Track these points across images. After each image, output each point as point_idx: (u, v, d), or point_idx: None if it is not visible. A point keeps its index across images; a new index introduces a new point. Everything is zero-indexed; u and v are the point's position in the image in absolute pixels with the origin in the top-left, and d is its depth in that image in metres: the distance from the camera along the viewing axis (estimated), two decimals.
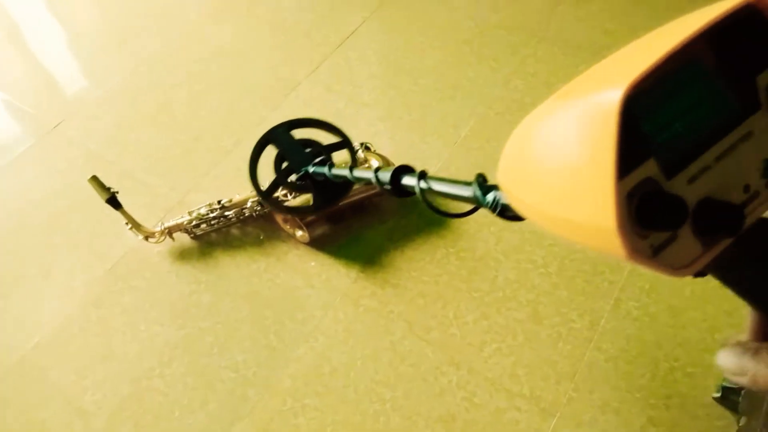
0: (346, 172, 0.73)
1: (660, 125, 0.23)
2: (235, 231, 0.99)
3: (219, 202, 0.96)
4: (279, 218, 0.97)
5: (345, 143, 0.94)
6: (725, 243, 0.24)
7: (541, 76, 1.17)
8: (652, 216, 0.21)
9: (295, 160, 0.91)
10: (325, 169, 0.81)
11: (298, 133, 0.89)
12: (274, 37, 1.34)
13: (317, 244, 0.95)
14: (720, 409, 0.79)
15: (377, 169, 0.61)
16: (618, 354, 0.82)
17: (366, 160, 1.00)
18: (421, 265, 0.92)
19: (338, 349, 0.85)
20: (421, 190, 0.50)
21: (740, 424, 0.71)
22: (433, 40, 1.27)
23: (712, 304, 0.84)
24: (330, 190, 0.92)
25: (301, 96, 1.20)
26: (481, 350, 0.83)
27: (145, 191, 1.06)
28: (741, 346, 0.27)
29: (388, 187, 0.58)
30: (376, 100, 1.17)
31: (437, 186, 0.48)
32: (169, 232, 0.96)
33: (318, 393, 0.81)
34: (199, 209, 0.96)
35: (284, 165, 0.89)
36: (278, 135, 0.92)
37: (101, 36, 1.45)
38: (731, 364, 0.26)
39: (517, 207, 0.28)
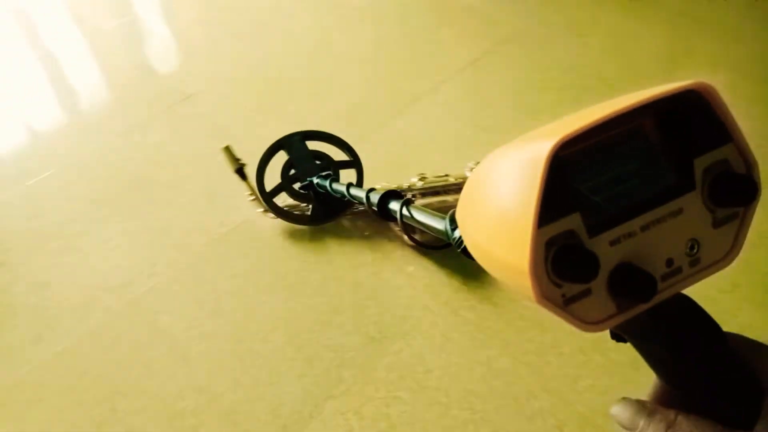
0: (343, 189, 0.76)
1: (595, 187, 0.24)
2: (345, 222, 1.04)
3: None
4: None
5: (354, 163, 0.98)
6: (640, 309, 0.24)
7: None
8: (564, 266, 0.22)
9: (303, 169, 0.95)
10: (326, 183, 0.85)
11: (312, 145, 0.97)
12: (400, 51, 1.40)
13: (422, 249, 0.99)
14: None
15: (369, 190, 0.63)
16: None
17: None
18: None
19: (434, 352, 0.87)
20: (401, 215, 0.52)
21: None
22: (553, 81, 1.31)
23: None
24: (330, 205, 0.95)
25: (420, 110, 1.25)
26: (576, 383, 0.84)
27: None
28: (640, 403, 0.27)
29: (375, 208, 0.59)
30: (494, 126, 1.21)
31: (417, 214, 0.50)
32: None
33: (411, 389, 0.83)
34: None
35: (292, 172, 0.95)
36: (292, 143, 0.97)
37: (240, 26, 1.55)
38: (624, 417, 0.27)
39: (463, 237, 0.30)
